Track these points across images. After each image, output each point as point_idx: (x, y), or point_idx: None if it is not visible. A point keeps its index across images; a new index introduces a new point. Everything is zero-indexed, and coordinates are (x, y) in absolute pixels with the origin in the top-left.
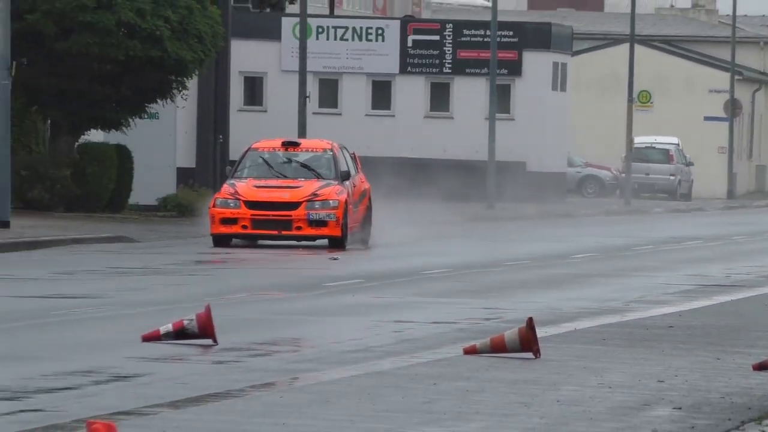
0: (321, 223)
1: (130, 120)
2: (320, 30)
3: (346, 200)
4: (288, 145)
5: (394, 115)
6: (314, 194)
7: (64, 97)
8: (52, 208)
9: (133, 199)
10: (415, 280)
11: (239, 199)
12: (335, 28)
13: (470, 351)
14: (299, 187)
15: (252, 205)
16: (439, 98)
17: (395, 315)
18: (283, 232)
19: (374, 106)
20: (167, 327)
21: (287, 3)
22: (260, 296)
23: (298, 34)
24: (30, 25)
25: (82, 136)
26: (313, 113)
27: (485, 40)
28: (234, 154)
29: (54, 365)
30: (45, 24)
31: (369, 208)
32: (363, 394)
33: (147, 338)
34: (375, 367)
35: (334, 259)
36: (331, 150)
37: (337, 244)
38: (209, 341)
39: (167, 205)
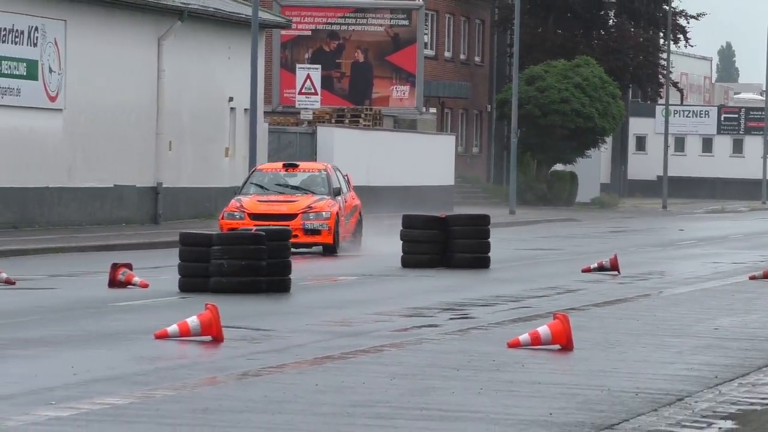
0: (315, 231)
1: (577, 159)
2: (675, 112)
3: (337, 212)
4: (288, 166)
5: (713, 156)
6: (309, 207)
7: (543, 148)
8: (534, 203)
9: (577, 200)
10: (723, 241)
11: (244, 212)
12: (683, 110)
13: (753, 278)
14: (296, 201)
15: (255, 216)
16: (738, 146)
17: (713, 258)
18: None
19: (703, 151)
20: (594, 265)
21: (658, 98)
22: (639, 249)
23: (664, 115)
24: (526, 111)
25: (552, 168)
26: (671, 155)
27: (761, 116)
28: (631, 176)
29: (533, 284)
30: (534, 110)
31: (360, 221)
32: (695, 300)
33: (584, 270)
34: (702, 286)
35: (681, 230)
36: (326, 170)
37: (330, 250)
38: (616, 272)
39: (594, 203)
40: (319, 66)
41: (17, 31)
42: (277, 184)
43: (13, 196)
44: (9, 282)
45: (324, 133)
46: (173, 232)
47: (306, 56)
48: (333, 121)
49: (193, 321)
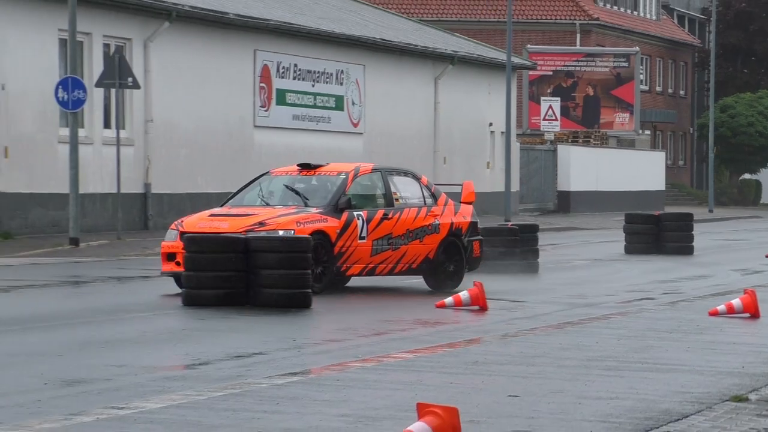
0: None
1: (761, 169)
2: None
3: (325, 231)
4: (304, 167)
5: None
6: (260, 223)
7: (734, 161)
8: (727, 204)
9: (762, 201)
10: None
11: (179, 231)
12: None
13: None
14: (252, 215)
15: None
16: None
17: None
18: None
19: None
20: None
21: None
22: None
23: None
24: (720, 133)
25: (741, 176)
26: None
27: None
28: None
29: (727, 267)
30: (726, 132)
31: (453, 244)
32: None
33: (767, 256)
34: None
35: None
36: (346, 174)
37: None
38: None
39: None
40: (558, 98)
41: (327, 73)
42: (265, 193)
43: None
44: None
45: (563, 150)
46: None
47: (548, 91)
48: (569, 141)
49: (464, 294)
